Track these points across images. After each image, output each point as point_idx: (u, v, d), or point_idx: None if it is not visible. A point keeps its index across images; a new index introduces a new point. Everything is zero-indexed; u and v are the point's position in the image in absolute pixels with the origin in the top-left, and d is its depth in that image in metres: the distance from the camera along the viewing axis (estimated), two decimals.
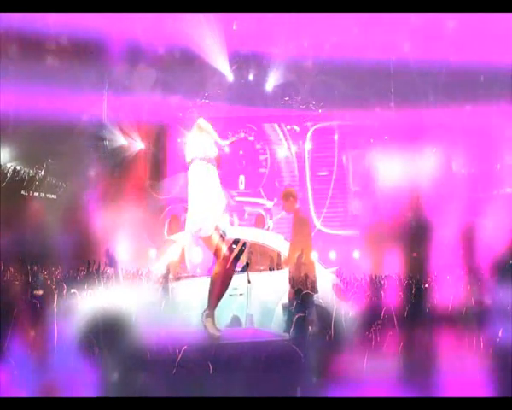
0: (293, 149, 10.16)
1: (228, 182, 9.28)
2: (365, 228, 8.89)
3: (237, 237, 4.08)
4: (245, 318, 6.53)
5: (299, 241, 6.74)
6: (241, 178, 10.03)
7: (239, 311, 6.47)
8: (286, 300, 6.06)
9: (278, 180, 10.08)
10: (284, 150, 10.20)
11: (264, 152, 10.18)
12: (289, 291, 5.96)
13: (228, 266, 2.94)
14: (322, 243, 8.19)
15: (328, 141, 10.02)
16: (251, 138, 10.07)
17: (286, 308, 5.81)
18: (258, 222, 8.18)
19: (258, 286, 6.69)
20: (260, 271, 7.20)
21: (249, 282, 6.58)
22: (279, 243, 7.30)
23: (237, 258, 2.97)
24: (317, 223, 9.71)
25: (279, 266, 7.18)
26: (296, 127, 10.09)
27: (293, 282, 5.94)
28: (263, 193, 9.99)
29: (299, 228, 6.93)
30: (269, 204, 9.78)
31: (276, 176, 10.12)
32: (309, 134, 10.04)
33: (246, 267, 6.62)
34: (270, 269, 7.30)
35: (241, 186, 10.02)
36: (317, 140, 10.07)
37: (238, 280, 6.41)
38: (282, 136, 10.21)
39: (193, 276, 6.60)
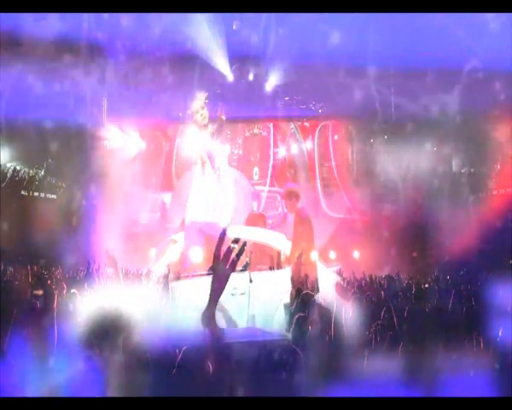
0: (303, 143, 11.16)
1: (244, 173, 10.26)
2: (367, 216, 9.18)
3: (237, 237, 4.07)
4: (246, 317, 6.52)
5: (300, 240, 6.73)
6: (256, 169, 11.03)
7: (240, 310, 6.46)
8: (288, 299, 6.04)
9: (289, 171, 11.12)
10: (295, 144, 11.18)
11: (276, 146, 11.22)
12: (291, 291, 5.94)
13: (228, 266, 2.93)
14: (323, 240, 8.34)
15: (333, 136, 11.00)
16: (264, 134, 11.18)
17: (287, 308, 5.81)
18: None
19: (259, 285, 6.69)
20: (261, 270, 7.19)
21: (251, 281, 6.57)
22: (281, 243, 7.29)
23: (237, 257, 2.96)
24: (325, 208, 10.70)
25: (280, 266, 7.17)
26: (306, 123, 11.03)
27: (294, 282, 5.93)
28: (275, 183, 11.04)
29: (301, 227, 6.92)
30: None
31: (287, 167, 11.18)
32: (317, 130, 10.98)
33: (246, 266, 6.60)
34: (271, 268, 7.29)
35: (256, 177, 11.03)
36: (324, 135, 11.04)
37: (239, 279, 6.40)
38: (293, 130, 11.19)
39: (193, 275, 6.60)
